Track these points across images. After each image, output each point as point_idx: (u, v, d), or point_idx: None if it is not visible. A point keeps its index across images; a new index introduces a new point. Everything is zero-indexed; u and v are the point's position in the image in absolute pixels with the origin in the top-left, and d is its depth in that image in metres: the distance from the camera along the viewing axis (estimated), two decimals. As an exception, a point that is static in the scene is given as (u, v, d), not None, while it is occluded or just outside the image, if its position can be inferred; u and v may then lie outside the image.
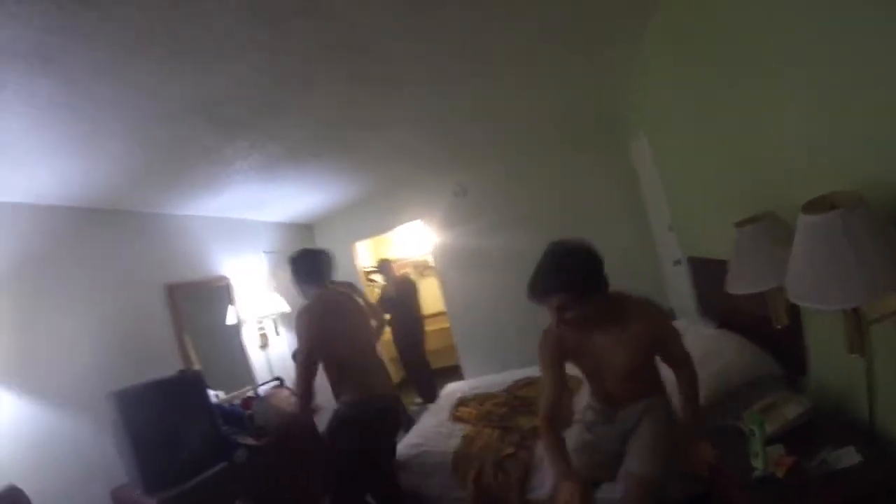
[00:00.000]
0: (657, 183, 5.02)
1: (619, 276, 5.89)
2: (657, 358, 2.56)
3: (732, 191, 3.07)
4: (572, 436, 2.75)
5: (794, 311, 2.43)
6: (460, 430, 3.89)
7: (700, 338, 3.52)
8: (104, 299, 4.08)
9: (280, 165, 4.65)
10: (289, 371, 5.81)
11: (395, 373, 7.89)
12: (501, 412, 4.09)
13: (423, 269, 8.96)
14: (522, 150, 6.60)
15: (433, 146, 5.73)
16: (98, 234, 4.20)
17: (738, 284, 2.27)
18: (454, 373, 7.39)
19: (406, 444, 3.88)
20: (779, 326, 2.34)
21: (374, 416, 3.37)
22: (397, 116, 4.41)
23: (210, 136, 3.55)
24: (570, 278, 2.23)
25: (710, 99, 3.06)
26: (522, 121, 5.67)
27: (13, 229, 3.54)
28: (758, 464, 1.97)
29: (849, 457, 1.84)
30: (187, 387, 3.94)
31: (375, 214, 7.41)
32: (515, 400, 4.34)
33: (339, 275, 7.10)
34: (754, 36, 2.30)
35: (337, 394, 3.49)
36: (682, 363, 2.52)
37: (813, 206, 1.59)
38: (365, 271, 8.02)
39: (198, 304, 5.06)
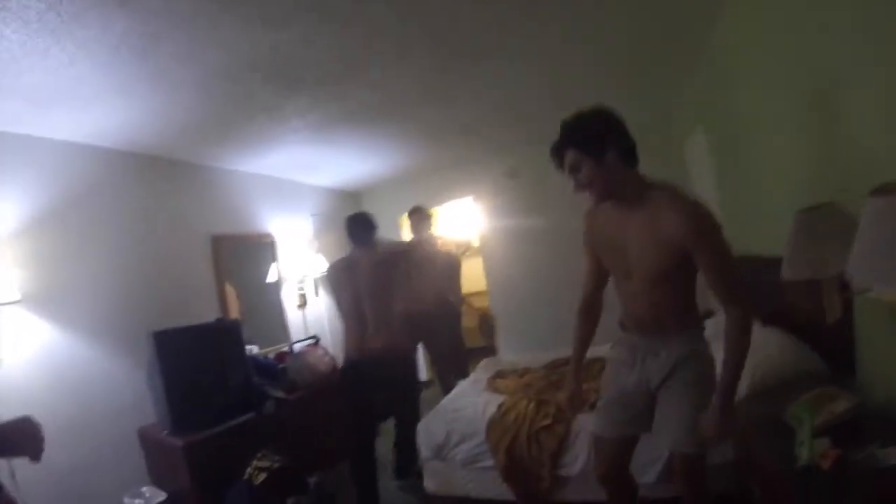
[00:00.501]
0: (708, 180, 5.00)
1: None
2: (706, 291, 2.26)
3: (787, 184, 3.05)
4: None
5: (844, 308, 2.33)
6: (497, 399, 3.87)
7: None
8: (150, 242, 4.26)
9: (336, 128, 4.69)
10: (324, 331, 5.92)
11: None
12: (539, 385, 4.06)
13: (465, 249, 8.88)
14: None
15: (494, 126, 5.72)
16: (151, 180, 4.38)
17: (795, 270, 2.19)
18: (488, 353, 7.24)
19: (442, 409, 3.92)
20: (831, 321, 2.28)
21: (369, 367, 3.83)
22: (464, 93, 4.44)
23: (272, 91, 3.61)
24: (579, 134, 2.20)
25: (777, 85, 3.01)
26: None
27: (70, 167, 3.67)
28: (803, 454, 1.93)
29: (897, 455, 1.82)
30: (224, 334, 4.08)
31: (425, 189, 7.35)
32: (554, 374, 4.31)
33: None
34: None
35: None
36: (726, 294, 2.12)
37: (882, 190, 1.51)
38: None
39: (241, 257, 5.17)
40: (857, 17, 2.03)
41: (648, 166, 6.08)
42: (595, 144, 2.16)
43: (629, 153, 2.22)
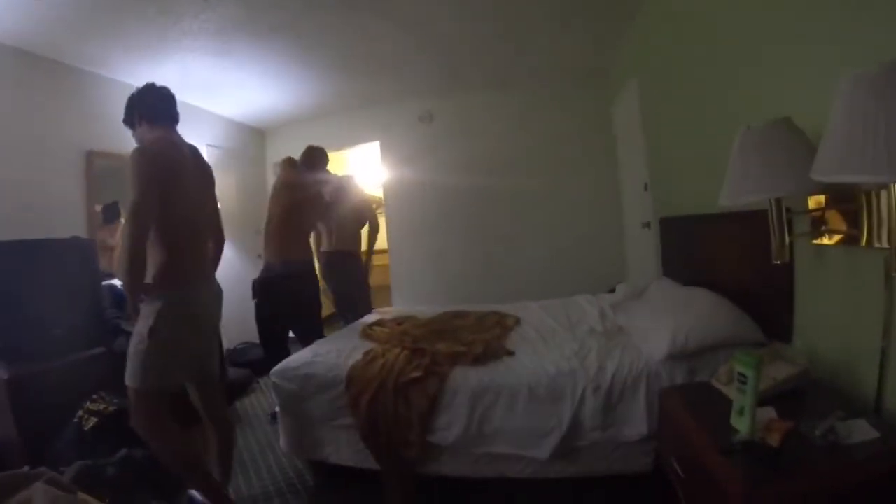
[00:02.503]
0: (639, 141, 4.77)
1: (584, 234, 5.84)
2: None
3: (715, 144, 2.77)
4: None
5: (784, 275, 2.19)
6: (367, 347, 3.26)
7: (668, 291, 3.16)
8: (13, 147, 3.75)
9: (236, 40, 4.16)
10: None
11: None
12: (417, 333, 3.48)
13: (377, 205, 8.35)
14: (500, 89, 6.17)
15: (411, 67, 5.36)
16: (18, 78, 3.83)
17: (738, 193, 1.85)
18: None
19: (295, 358, 3.16)
20: (779, 260, 1.91)
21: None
22: (381, 27, 4.19)
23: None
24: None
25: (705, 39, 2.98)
26: (509, 60, 5.33)
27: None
28: (742, 426, 1.53)
29: (863, 430, 1.43)
30: (76, 256, 3.58)
31: (334, 129, 6.80)
32: (438, 324, 3.75)
33: None
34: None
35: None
36: None
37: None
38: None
39: (120, 178, 4.51)
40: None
41: (574, 119, 5.99)
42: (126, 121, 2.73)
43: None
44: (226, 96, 5.68)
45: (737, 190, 1.85)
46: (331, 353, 3.11)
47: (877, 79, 1.19)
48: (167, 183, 2.37)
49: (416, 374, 2.70)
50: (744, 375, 1.52)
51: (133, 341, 2.35)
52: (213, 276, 2.74)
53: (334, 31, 4.30)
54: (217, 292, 2.71)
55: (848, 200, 1.71)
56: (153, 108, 2.80)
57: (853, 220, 1.69)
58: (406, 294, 6.61)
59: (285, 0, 3.68)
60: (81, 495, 1.68)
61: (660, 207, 4.33)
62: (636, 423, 2.38)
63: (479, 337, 3.16)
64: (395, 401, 2.64)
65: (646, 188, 4.71)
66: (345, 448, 2.80)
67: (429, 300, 6.00)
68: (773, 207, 1.88)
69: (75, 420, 2.93)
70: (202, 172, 2.79)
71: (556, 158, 6.13)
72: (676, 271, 3.69)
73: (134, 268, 2.20)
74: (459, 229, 6.36)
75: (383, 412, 2.63)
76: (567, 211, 6.08)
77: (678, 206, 3.72)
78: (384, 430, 2.62)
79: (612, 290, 3.87)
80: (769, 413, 1.57)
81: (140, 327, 2.32)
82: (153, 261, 2.33)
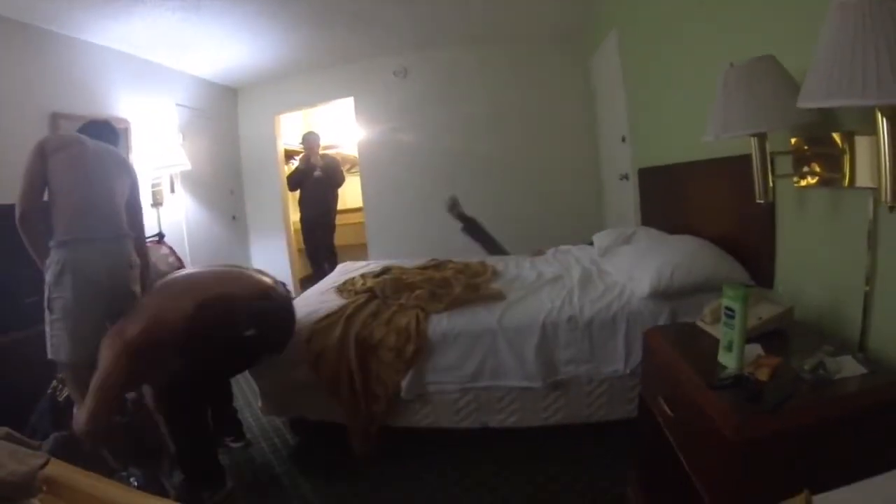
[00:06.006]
0: (618, 93, 4.72)
1: (562, 190, 5.80)
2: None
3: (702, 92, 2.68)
4: None
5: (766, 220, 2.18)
6: (336, 303, 3.13)
7: (655, 236, 3.19)
8: None
9: None
10: (181, 234, 5.31)
11: (300, 267, 7.35)
12: (394, 284, 3.24)
13: (351, 165, 8.21)
14: (477, 44, 6.03)
15: (385, 20, 5.16)
16: None
17: (723, 128, 1.83)
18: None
19: None
20: (762, 200, 1.88)
21: None
22: None
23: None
24: None
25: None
26: (486, 13, 5.17)
27: None
28: (730, 361, 1.51)
29: (850, 366, 1.42)
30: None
31: (307, 85, 6.67)
32: (415, 274, 3.53)
33: (259, 150, 6.85)
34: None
35: None
36: None
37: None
38: (286, 150, 7.22)
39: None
40: None
41: (553, 74, 5.90)
42: None
43: None
44: (196, 54, 5.43)
45: (721, 125, 1.83)
46: (301, 309, 3.00)
47: (862, 4, 1.15)
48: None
49: (381, 331, 2.65)
50: (731, 309, 1.49)
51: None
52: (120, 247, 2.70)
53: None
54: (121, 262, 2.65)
55: (828, 143, 1.68)
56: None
57: (835, 162, 1.66)
58: (383, 252, 6.47)
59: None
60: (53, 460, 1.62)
61: (638, 159, 4.30)
62: (614, 359, 2.43)
63: (460, 282, 3.11)
64: (361, 355, 2.60)
65: (623, 140, 4.67)
66: (322, 404, 2.75)
67: (407, 257, 5.93)
68: (757, 146, 1.85)
69: (49, 391, 2.84)
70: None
71: (534, 113, 6.06)
72: (656, 222, 3.67)
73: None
74: (437, 186, 6.20)
75: (346, 368, 2.59)
76: (546, 166, 6.04)
77: (657, 157, 3.69)
78: (346, 385, 2.59)
79: (591, 244, 3.83)
80: (756, 350, 1.55)
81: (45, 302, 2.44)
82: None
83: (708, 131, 1.90)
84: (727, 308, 1.51)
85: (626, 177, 4.66)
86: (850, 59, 1.15)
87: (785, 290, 2.16)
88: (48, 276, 2.43)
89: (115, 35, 4.50)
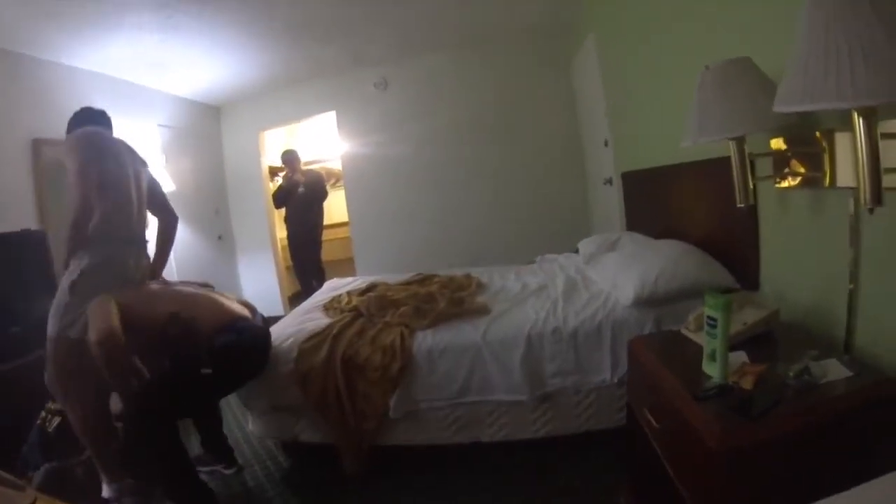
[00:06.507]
0: (598, 97, 4.71)
1: (548, 196, 5.79)
2: None
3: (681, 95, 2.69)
4: None
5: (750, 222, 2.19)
6: (323, 321, 3.09)
7: (640, 241, 3.17)
8: None
9: (179, 10, 3.92)
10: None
11: (289, 285, 7.32)
12: (380, 301, 3.22)
13: (335, 179, 8.19)
14: (456, 52, 6.02)
15: (361, 32, 5.15)
16: None
17: (700, 133, 1.82)
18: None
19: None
20: (742, 204, 1.88)
21: None
22: None
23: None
24: None
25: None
26: (464, 20, 5.16)
27: None
28: (713, 371, 1.50)
29: (835, 369, 1.41)
30: (27, 249, 3.43)
31: (289, 101, 6.64)
32: (399, 291, 3.49)
33: (244, 168, 6.82)
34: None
35: None
36: None
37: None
38: (270, 168, 7.20)
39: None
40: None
41: (533, 78, 5.89)
42: None
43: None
44: (176, 74, 5.40)
45: (698, 130, 1.82)
46: (288, 329, 3.01)
47: (835, 3, 1.14)
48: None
49: (367, 350, 2.63)
50: (713, 318, 1.48)
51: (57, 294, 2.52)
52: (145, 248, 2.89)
53: (281, 1, 4.14)
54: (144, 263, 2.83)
55: (808, 143, 1.68)
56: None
57: (815, 161, 1.66)
58: (370, 266, 6.48)
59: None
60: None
61: (621, 163, 4.29)
62: (600, 369, 2.42)
63: (444, 298, 3.09)
64: (347, 374, 2.58)
65: (606, 144, 4.67)
66: (313, 425, 2.72)
67: (393, 270, 5.89)
68: (735, 150, 1.85)
69: (38, 421, 2.80)
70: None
71: (517, 119, 6.03)
72: (642, 226, 3.67)
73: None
74: (422, 197, 6.26)
75: (333, 388, 2.57)
76: (531, 172, 6.01)
77: (640, 160, 3.68)
78: (334, 405, 2.56)
79: (577, 252, 3.81)
80: (741, 357, 1.54)
81: (64, 282, 2.51)
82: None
83: (685, 136, 1.89)
84: (709, 317, 1.50)
85: (609, 181, 4.65)
86: (823, 60, 1.14)
87: (771, 290, 2.16)
88: (83, 264, 2.51)
89: (94, 58, 4.47)
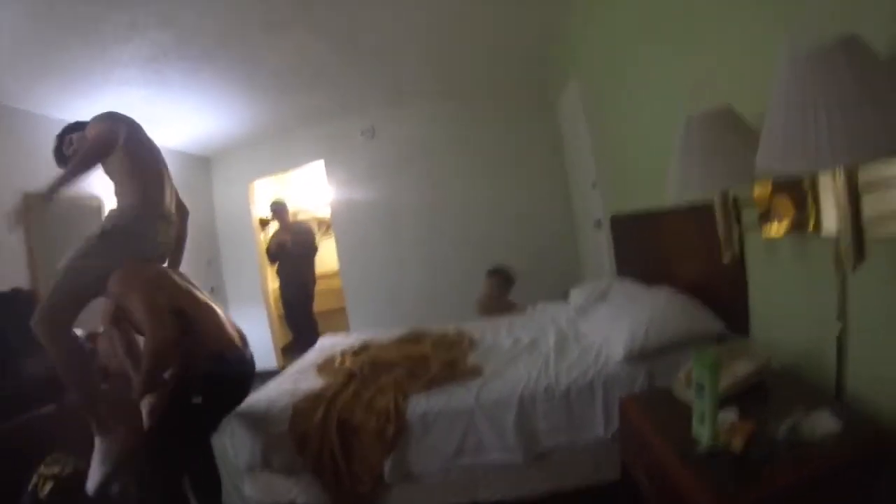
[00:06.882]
0: (584, 138, 4.75)
1: (537, 239, 5.81)
2: None
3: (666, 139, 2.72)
4: None
5: (739, 269, 2.16)
6: (316, 383, 3.09)
7: (630, 291, 3.13)
8: None
9: (167, 65, 4.03)
10: None
11: (281, 335, 7.26)
12: (372, 364, 3.21)
13: (326, 227, 8.20)
14: (442, 99, 6.10)
15: (347, 80, 5.24)
16: None
17: (683, 188, 1.82)
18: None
19: (250, 401, 2.93)
20: (728, 260, 1.89)
21: None
22: (317, 37, 4.08)
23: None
24: None
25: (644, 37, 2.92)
26: (449, 68, 5.29)
27: None
28: (703, 433, 1.47)
29: (826, 423, 1.39)
30: (17, 308, 3.31)
31: (278, 151, 6.72)
32: (391, 352, 3.49)
33: (235, 219, 6.86)
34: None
35: None
36: None
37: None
38: (260, 219, 7.21)
39: (61, 222, 4.35)
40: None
41: (518, 122, 5.96)
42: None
43: None
44: (166, 127, 5.45)
45: (681, 185, 1.83)
46: (283, 392, 2.99)
47: (812, 62, 1.17)
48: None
49: (362, 413, 2.61)
50: (700, 384, 1.47)
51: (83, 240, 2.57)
52: None
53: (266, 52, 4.23)
54: None
55: (793, 189, 1.69)
56: None
57: (800, 207, 1.67)
58: (362, 315, 6.48)
59: (210, 26, 3.61)
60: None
61: (609, 206, 4.31)
62: (593, 425, 2.39)
63: (437, 359, 3.08)
64: (343, 437, 2.55)
65: (593, 186, 4.70)
66: (308, 489, 2.68)
67: (386, 319, 5.89)
68: (719, 204, 1.86)
69: (31, 487, 2.74)
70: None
71: (504, 164, 6.12)
72: (631, 270, 3.68)
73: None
74: (413, 244, 6.29)
75: (328, 451, 2.54)
76: (520, 217, 6.07)
77: (628, 204, 3.70)
78: (329, 467, 2.53)
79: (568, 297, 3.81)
80: (732, 415, 1.52)
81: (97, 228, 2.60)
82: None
83: (669, 189, 1.90)
84: (697, 383, 1.48)
85: (598, 223, 4.68)
86: (801, 119, 1.15)
87: (761, 335, 2.16)
88: (118, 219, 2.62)
89: (84, 112, 4.47)
